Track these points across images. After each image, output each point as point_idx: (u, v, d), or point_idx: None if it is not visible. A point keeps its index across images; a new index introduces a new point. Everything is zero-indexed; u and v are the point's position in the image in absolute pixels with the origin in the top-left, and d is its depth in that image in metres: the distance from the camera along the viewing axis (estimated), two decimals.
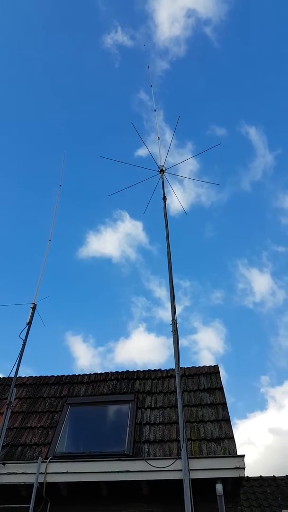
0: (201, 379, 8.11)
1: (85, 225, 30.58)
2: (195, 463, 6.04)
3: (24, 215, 26.76)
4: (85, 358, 36.34)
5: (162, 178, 8.88)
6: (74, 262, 29.34)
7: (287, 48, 26.80)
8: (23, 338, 7.42)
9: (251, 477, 11.12)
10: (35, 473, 6.27)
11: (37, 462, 6.42)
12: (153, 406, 7.60)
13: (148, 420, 7.27)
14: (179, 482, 5.66)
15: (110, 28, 27.08)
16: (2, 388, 8.62)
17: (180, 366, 6.65)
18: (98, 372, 8.83)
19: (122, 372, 8.70)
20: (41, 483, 6.20)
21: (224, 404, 7.37)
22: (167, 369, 8.56)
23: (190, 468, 5.79)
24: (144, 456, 6.47)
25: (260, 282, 33.70)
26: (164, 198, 8.60)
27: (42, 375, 8.99)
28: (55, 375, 8.89)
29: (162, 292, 32.57)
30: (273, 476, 11.23)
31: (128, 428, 7.07)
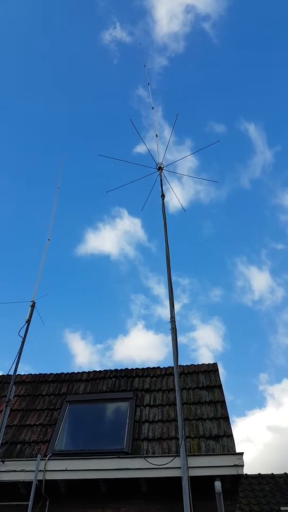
0: (200, 377, 8.12)
1: (84, 222, 30.61)
2: (194, 461, 6.05)
3: (23, 213, 26.73)
4: (83, 355, 36.40)
5: (161, 175, 8.87)
6: (72, 259, 29.33)
7: (286, 44, 26.77)
8: (22, 336, 7.43)
9: (250, 474, 11.17)
10: (34, 471, 6.28)
11: (36, 460, 6.43)
12: (152, 404, 7.61)
13: (147, 417, 7.28)
14: (178, 479, 5.67)
15: (109, 24, 27.03)
16: (1, 385, 8.62)
17: (179, 364, 6.66)
18: (97, 370, 8.84)
19: (121, 370, 8.70)
20: (40, 481, 6.21)
21: (223, 402, 7.38)
22: (166, 367, 8.56)
23: (189, 465, 5.81)
24: (143, 454, 6.48)
25: (259, 280, 33.76)
26: (163, 196, 8.59)
27: (40, 372, 9.02)
28: (54, 373, 8.90)
29: (160, 290, 32.60)
30: (272, 473, 11.28)
31: (127, 426, 7.08)
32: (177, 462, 5.96)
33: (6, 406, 6.88)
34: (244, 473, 6.14)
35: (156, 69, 24.55)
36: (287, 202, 31.36)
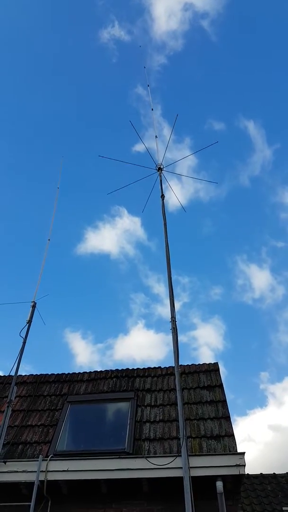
0: (201, 376, 8.12)
1: (83, 221, 30.60)
2: (195, 461, 6.05)
3: (23, 213, 26.74)
4: (84, 354, 36.43)
5: (160, 176, 8.87)
6: (72, 258, 29.36)
7: (285, 41, 26.72)
8: (23, 337, 7.44)
9: (252, 474, 11.17)
10: (35, 471, 6.28)
11: (37, 460, 6.43)
12: (153, 404, 7.61)
13: (148, 418, 7.28)
14: (179, 479, 5.67)
15: (107, 22, 27.00)
16: (2, 386, 8.63)
17: (180, 364, 6.66)
18: (98, 370, 8.85)
19: (122, 370, 8.71)
20: (41, 481, 6.22)
21: (224, 402, 7.38)
22: (167, 366, 8.56)
23: (190, 465, 5.80)
24: (144, 454, 6.48)
25: (260, 278, 33.76)
26: (162, 196, 8.59)
27: (41, 371, 9.05)
28: (55, 373, 8.91)
29: (160, 288, 32.59)
30: (274, 473, 11.27)
31: (128, 426, 7.09)
32: (178, 462, 5.96)
33: (8, 406, 6.89)
34: (246, 473, 6.13)
35: (155, 67, 24.56)
36: (287, 200, 31.34)
